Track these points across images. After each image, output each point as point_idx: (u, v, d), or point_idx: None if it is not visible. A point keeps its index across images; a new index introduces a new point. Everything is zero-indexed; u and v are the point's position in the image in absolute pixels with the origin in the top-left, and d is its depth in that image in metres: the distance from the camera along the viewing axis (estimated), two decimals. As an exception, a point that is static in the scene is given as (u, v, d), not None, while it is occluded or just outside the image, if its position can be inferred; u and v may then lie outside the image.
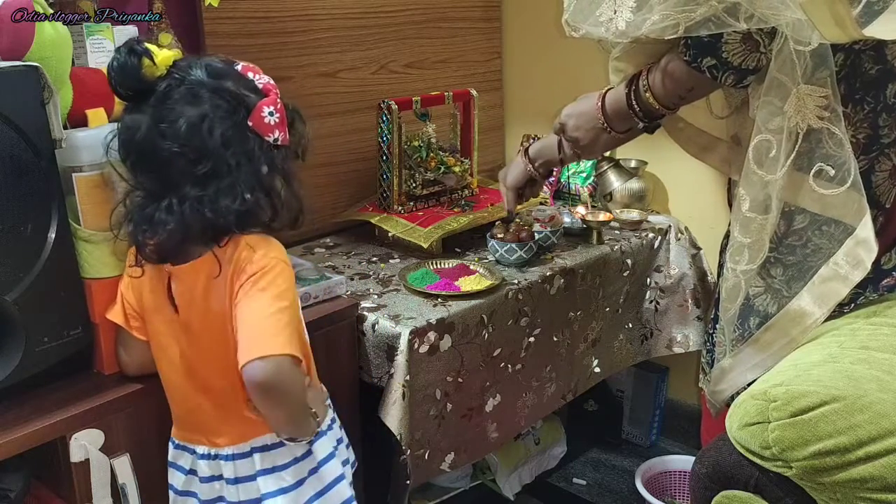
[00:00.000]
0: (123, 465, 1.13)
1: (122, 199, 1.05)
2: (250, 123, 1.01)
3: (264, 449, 1.11)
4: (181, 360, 1.10)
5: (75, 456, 1.08)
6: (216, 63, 1.03)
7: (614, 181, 2.00)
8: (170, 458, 1.16)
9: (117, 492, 1.12)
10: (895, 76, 1.11)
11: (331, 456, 1.17)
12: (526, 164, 1.54)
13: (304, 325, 1.14)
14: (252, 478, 1.12)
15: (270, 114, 1.02)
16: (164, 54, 1.01)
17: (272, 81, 1.06)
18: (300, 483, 1.13)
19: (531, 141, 1.57)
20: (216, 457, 1.11)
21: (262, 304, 1.01)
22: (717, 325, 1.35)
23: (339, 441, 1.20)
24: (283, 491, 1.11)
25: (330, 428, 1.18)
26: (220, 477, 1.12)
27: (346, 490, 1.18)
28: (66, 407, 1.09)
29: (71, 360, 1.14)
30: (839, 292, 1.09)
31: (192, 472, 1.14)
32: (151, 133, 0.99)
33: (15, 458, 1.04)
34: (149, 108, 0.99)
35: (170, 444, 1.16)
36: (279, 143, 1.04)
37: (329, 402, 1.21)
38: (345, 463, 1.20)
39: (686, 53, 1.12)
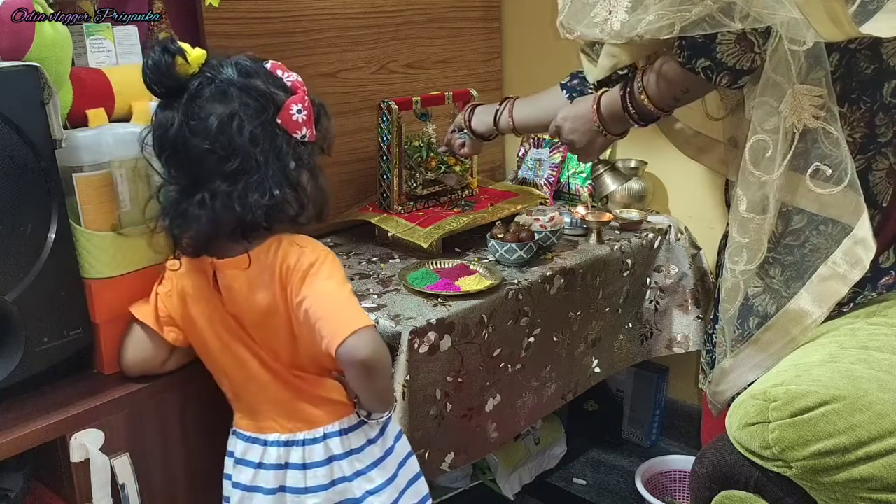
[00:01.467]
0: (123, 465, 1.13)
1: (156, 194, 1.07)
2: (279, 121, 1.04)
3: (339, 433, 1.13)
4: (246, 351, 1.11)
5: (75, 456, 1.08)
6: (246, 62, 1.06)
7: (610, 184, 1.99)
8: (238, 454, 1.15)
9: (117, 492, 1.12)
10: (891, 75, 1.11)
11: (401, 433, 1.21)
12: (465, 112, 1.65)
13: None
14: (323, 463, 1.12)
15: (298, 111, 1.05)
16: (196, 53, 1.03)
17: (300, 79, 1.08)
18: (377, 464, 1.15)
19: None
20: (287, 443, 1.12)
21: (331, 287, 1.04)
22: (717, 326, 1.35)
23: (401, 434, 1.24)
24: (359, 473, 1.13)
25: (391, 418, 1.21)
26: (286, 465, 1.13)
27: (416, 464, 1.23)
28: (66, 407, 1.09)
29: (71, 360, 1.14)
30: (838, 291, 1.09)
31: (261, 465, 1.14)
32: (183, 130, 1.01)
33: (15, 458, 1.04)
34: (181, 106, 1.02)
35: (236, 440, 1.16)
36: (306, 139, 1.07)
37: None
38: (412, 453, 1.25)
39: (680, 55, 1.12)
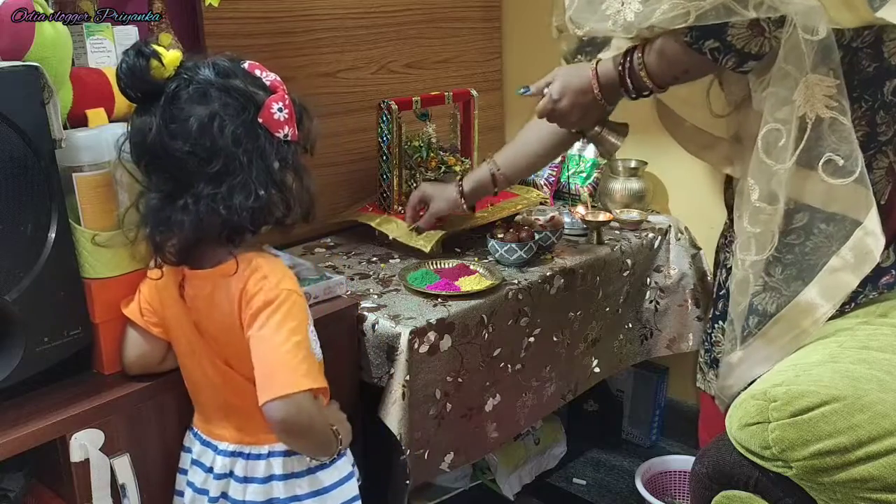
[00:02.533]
0: (123, 465, 1.13)
1: (135, 203, 1.05)
2: (260, 120, 1.02)
3: (283, 454, 1.12)
4: (205, 356, 1.11)
5: (75, 456, 1.08)
6: (223, 62, 1.04)
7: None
8: (194, 455, 1.16)
9: (117, 492, 1.12)
10: (892, 74, 1.11)
11: (350, 476, 1.18)
12: (460, 200, 1.64)
13: (318, 346, 1.14)
14: (264, 480, 1.12)
15: (279, 110, 1.03)
16: (171, 55, 1.01)
17: (279, 78, 1.06)
18: (314, 495, 1.13)
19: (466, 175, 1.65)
20: (233, 453, 1.12)
21: (278, 340, 1.02)
22: (716, 324, 1.35)
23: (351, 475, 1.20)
24: (297, 499, 1.12)
25: (336, 461, 1.18)
26: (230, 474, 1.13)
27: None
28: (66, 407, 1.09)
29: (71, 360, 1.14)
30: (849, 283, 1.09)
31: (210, 469, 1.14)
32: (162, 134, 0.99)
33: (15, 458, 1.04)
34: (159, 109, 1.00)
35: (193, 439, 1.17)
36: (289, 138, 1.05)
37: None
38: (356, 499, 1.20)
39: (688, 34, 1.11)
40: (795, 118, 1.05)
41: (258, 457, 1.12)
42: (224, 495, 1.14)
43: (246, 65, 1.05)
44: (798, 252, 1.14)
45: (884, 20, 0.97)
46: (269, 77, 1.05)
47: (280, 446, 1.12)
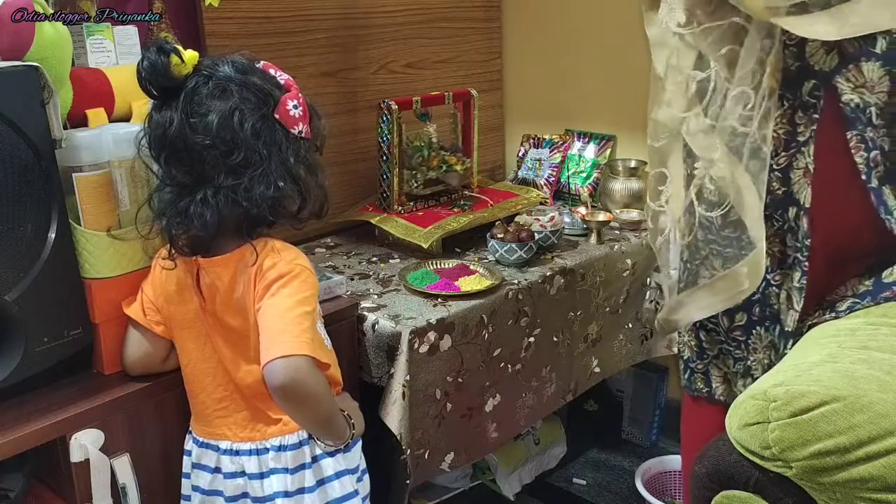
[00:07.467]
0: (123, 465, 1.13)
1: (149, 199, 1.08)
2: (276, 116, 1.05)
3: (280, 449, 1.12)
4: (211, 352, 1.12)
5: (75, 456, 1.08)
6: (241, 60, 1.07)
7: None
8: (193, 459, 1.16)
9: (117, 492, 1.12)
10: (810, 74, 1.11)
11: (344, 472, 1.16)
12: None
13: (326, 336, 1.16)
14: (278, 472, 1.12)
15: (294, 107, 1.07)
16: (191, 53, 1.04)
17: (291, 78, 1.10)
18: (302, 491, 1.13)
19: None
20: (237, 452, 1.13)
21: (286, 306, 1.04)
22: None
23: (356, 470, 1.20)
24: (286, 494, 1.12)
25: (349, 449, 1.18)
26: (242, 473, 1.13)
27: None
28: (66, 407, 1.09)
29: (71, 360, 1.14)
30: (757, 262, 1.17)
31: (217, 469, 1.14)
32: (183, 127, 1.02)
33: (15, 458, 1.04)
34: (179, 104, 1.02)
35: (192, 444, 1.17)
36: (303, 135, 1.08)
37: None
38: (354, 494, 1.18)
39: None
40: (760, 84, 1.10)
41: (261, 452, 1.12)
42: (245, 495, 1.14)
43: (261, 64, 1.09)
44: (736, 246, 1.21)
45: (781, 25, 0.98)
46: (283, 76, 1.09)
47: (288, 439, 1.12)
